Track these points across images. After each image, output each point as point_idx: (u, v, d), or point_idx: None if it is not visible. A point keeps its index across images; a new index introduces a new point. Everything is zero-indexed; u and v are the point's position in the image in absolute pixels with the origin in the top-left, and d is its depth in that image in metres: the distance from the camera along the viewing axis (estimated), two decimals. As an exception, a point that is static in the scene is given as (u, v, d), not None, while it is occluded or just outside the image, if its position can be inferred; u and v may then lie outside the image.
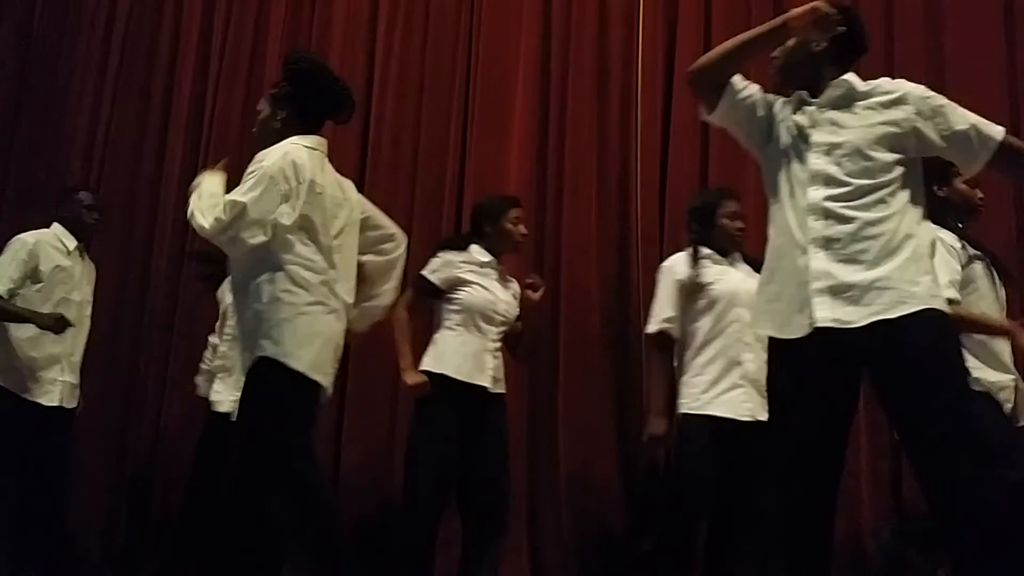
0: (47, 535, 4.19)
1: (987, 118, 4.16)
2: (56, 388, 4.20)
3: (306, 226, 3.01)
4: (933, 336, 2.42)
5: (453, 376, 3.72)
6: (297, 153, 3.04)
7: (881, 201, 2.50)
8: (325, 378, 3.01)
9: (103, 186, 5.31)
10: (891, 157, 2.53)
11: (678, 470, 3.64)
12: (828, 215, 2.52)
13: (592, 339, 4.54)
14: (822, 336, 2.46)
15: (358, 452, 4.68)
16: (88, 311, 4.40)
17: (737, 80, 2.66)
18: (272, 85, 3.28)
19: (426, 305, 3.88)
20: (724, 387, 3.53)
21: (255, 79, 5.34)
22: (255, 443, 2.94)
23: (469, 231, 4.02)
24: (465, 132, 4.96)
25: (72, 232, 4.36)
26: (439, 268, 3.85)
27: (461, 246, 3.91)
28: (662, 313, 3.65)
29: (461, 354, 3.75)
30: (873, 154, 2.54)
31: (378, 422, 4.68)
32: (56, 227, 4.37)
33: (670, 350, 3.67)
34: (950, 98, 4.27)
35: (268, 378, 2.94)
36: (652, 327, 3.67)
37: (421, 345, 3.83)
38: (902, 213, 2.50)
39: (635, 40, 4.77)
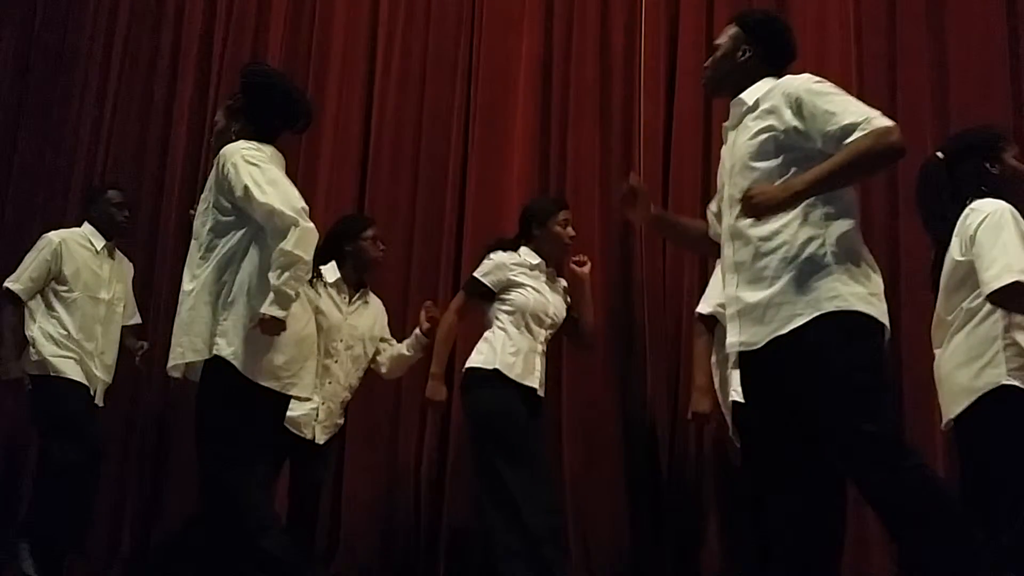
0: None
1: (991, 119, 4.19)
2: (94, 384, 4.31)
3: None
4: (821, 341, 2.43)
5: (505, 374, 3.74)
6: None
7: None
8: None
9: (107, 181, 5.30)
10: (774, 163, 2.50)
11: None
12: (735, 238, 2.56)
13: (595, 342, 4.54)
14: (742, 358, 2.55)
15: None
16: (119, 309, 4.46)
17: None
18: (229, 97, 3.32)
19: (478, 307, 3.93)
20: None
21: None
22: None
23: (518, 233, 4.03)
24: (467, 129, 4.94)
25: (102, 231, 4.42)
26: (491, 270, 3.88)
27: (512, 248, 3.94)
28: (717, 299, 3.57)
29: (512, 354, 3.77)
30: (756, 164, 2.53)
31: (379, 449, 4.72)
32: (86, 226, 4.45)
33: (713, 333, 3.67)
34: (954, 99, 4.31)
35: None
36: (705, 308, 3.67)
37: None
38: (800, 217, 2.46)
39: (638, 36, 4.75)
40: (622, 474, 4.40)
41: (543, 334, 3.89)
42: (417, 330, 4.11)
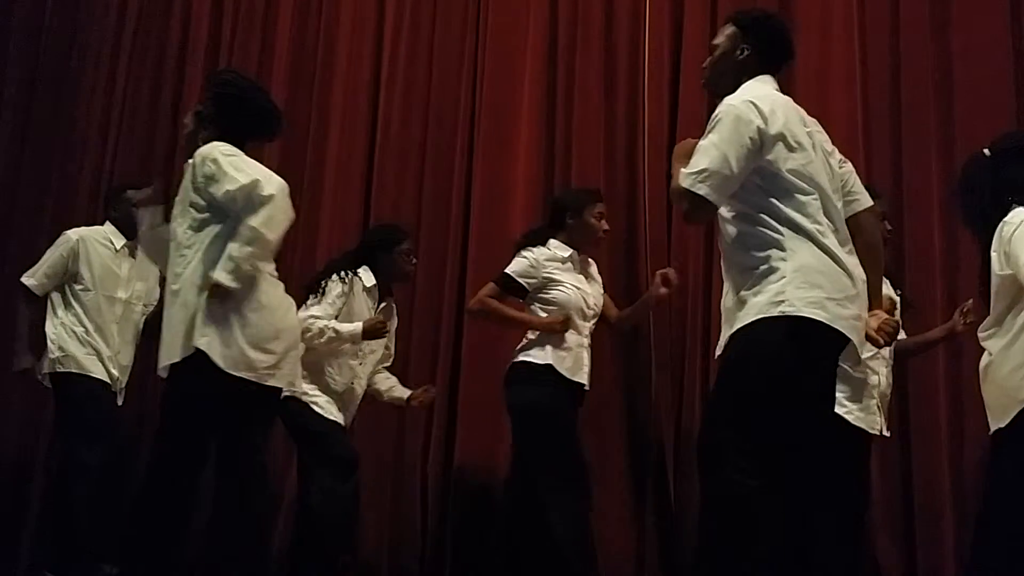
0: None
1: (993, 116, 4.20)
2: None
3: None
4: (733, 348, 2.49)
5: (557, 369, 3.74)
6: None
7: (727, 223, 2.55)
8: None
9: (116, 181, 5.32)
10: None
11: None
12: (721, 250, 2.63)
13: (600, 339, 4.54)
14: None
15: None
16: (138, 308, 4.45)
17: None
18: (199, 102, 3.31)
19: (506, 300, 3.93)
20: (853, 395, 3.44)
21: (264, 77, 5.36)
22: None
23: (548, 223, 4.00)
24: (472, 129, 4.96)
25: (122, 231, 4.43)
26: (526, 271, 3.84)
27: (541, 241, 3.90)
28: None
29: (564, 349, 3.77)
30: None
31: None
32: (108, 225, 4.46)
33: None
34: (958, 97, 4.32)
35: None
36: None
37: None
38: (757, 226, 2.48)
39: (642, 38, 4.75)
40: (627, 473, 4.42)
41: (587, 327, 3.88)
42: (407, 396, 4.16)
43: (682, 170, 2.50)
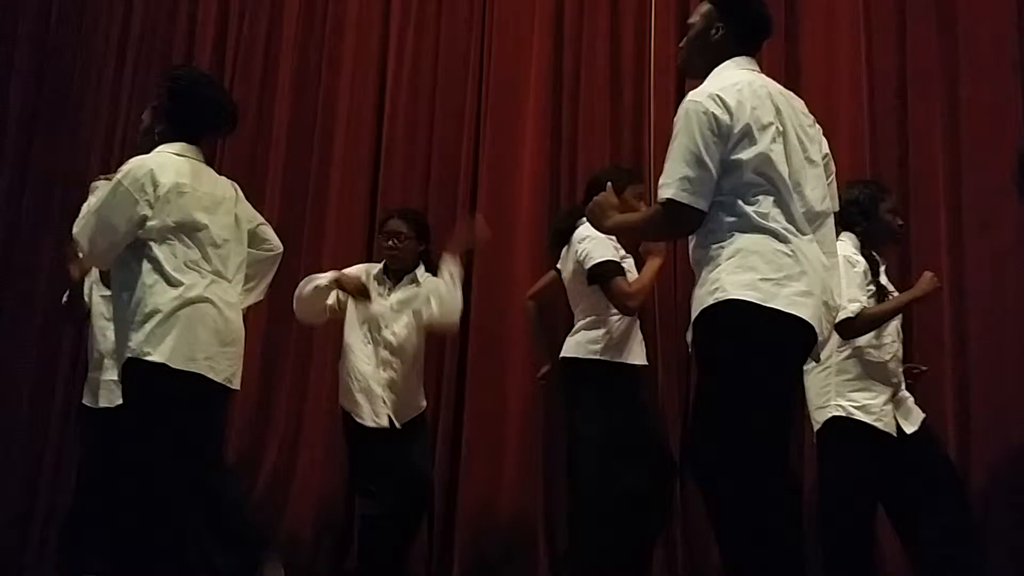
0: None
1: (999, 112, 4.17)
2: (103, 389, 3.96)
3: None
4: (696, 343, 2.45)
5: (631, 363, 3.69)
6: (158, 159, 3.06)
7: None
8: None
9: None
10: None
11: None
12: None
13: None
14: None
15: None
16: None
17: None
18: (155, 97, 3.25)
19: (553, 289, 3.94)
20: (883, 400, 3.37)
21: (269, 76, 5.42)
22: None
23: (584, 200, 3.85)
24: (478, 133, 4.97)
25: None
26: (609, 248, 3.65)
27: (575, 224, 3.78)
28: (858, 297, 3.28)
29: (630, 338, 3.72)
30: None
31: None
32: None
33: None
34: (965, 93, 4.30)
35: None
36: (855, 308, 3.24)
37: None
38: (711, 223, 2.44)
39: (647, 41, 4.75)
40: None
41: None
42: None
43: (660, 181, 2.43)
